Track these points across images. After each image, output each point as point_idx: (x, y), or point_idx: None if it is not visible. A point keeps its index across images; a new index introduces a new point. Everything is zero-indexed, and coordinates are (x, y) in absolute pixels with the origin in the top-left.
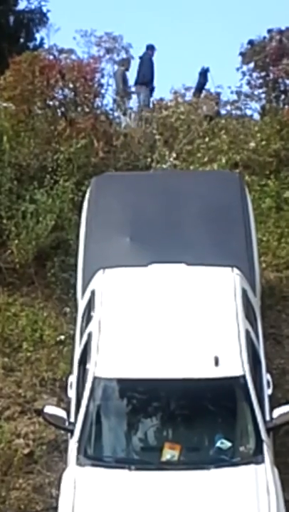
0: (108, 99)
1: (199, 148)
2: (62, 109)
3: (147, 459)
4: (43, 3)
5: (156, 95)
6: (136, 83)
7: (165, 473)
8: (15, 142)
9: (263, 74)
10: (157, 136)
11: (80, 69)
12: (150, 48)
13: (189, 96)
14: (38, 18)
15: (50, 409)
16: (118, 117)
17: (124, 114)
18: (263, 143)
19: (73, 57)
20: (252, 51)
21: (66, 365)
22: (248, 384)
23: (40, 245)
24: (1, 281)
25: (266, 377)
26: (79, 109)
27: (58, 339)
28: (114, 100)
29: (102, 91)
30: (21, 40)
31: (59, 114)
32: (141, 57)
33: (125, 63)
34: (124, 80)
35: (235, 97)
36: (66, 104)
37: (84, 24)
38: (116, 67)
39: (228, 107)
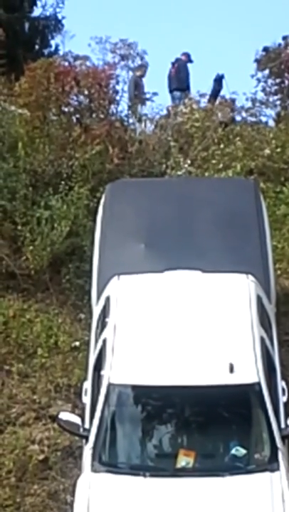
0: (123, 106)
1: (214, 155)
2: (77, 115)
3: (162, 466)
4: (58, 9)
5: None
6: (172, 89)
7: (180, 480)
8: (30, 148)
9: (278, 81)
10: (172, 143)
11: (95, 75)
12: (185, 55)
13: (204, 102)
14: (53, 24)
15: (65, 416)
16: (133, 123)
17: (139, 120)
18: (278, 150)
19: (88, 63)
20: (267, 58)
21: (81, 371)
22: (262, 391)
23: (55, 251)
24: (16, 288)
25: (281, 384)
26: (94, 115)
27: (72, 345)
28: (130, 107)
29: (117, 97)
30: (36, 46)
31: (74, 120)
32: (174, 63)
33: (141, 69)
34: (138, 86)
35: (250, 103)
36: (81, 111)
37: (99, 31)
38: (131, 73)
39: (243, 114)
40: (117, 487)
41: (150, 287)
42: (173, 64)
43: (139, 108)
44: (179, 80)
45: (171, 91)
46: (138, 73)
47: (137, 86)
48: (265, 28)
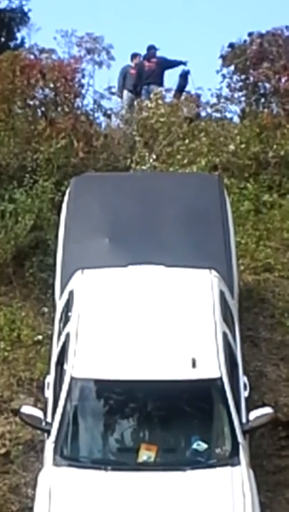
0: (89, 100)
1: (179, 150)
2: (43, 108)
3: (124, 460)
4: (24, 2)
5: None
6: (148, 83)
7: (141, 474)
8: None
9: (243, 77)
10: (137, 138)
11: (61, 69)
12: (153, 48)
13: (170, 98)
14: (19, 17)
15: (27, 409)
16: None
17: (105, 115)
18: (243, 146)
19: (54, 57)
20: (232, 54)
21: (43, 365)
22: (224, 386)
23: (19, 245)
24: None
25: (243, 379)
26: (59, 109)
27: (35, 339)
28: (95, 101)
29: (83, 91)
30: (2, 39)
31: (39, 113)
32: (149, 58)
33: (136, 58)
34: (127, 77)
35: (215, 99)
36: (46, 104)
37: (65, 24)
38: (96, 67)
39: (208, 110)
40: (79, 481)
41: (114, 282)
42: (148, 58)
43: (125, 98)
44: (158, 74)
45: (147, 83)
46: (133, 63)
47: (126, 77)
48: (230, 25)
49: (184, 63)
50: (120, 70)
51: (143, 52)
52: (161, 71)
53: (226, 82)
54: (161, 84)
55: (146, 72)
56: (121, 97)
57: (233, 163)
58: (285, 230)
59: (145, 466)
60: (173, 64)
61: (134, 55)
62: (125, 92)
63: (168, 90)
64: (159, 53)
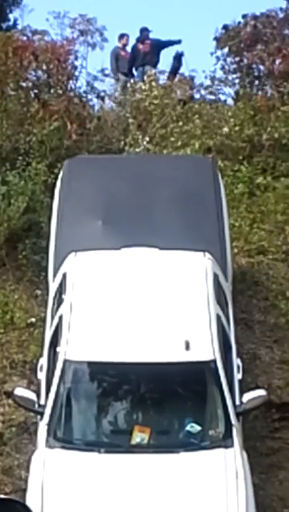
0: (82, 82)
1: (173, 133)
2: (36, 90)
3: (117, 442)
4: None
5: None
6: (143, 64)
7: (135, 456)
8: None
9: (237, 59)
10: (131, 120)
11: (54, 51)
12: (146, 31)
13: (163, 80)
14: None
15: (20, 392)
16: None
17: (98, 97)
18: (237, 128)
19: (47, 38)
20: (226, 36)
21: (37, 348)
22: (218, 368)
23: (12, 227)
24: None
25: (237, 362)
26: (52, 91)
27: (28, 321)
28: (88, 83)
29: (76, 73)
30: None
31: (32, 95)
32: (143, 40)
33: (123, 39)
34: (119, 59)
35: (209, 81)
36: (39, 86)
37: (58, 6)
38: (89, 49)
39: (202, 92)
40: (72, 463)
41: (107, 264)
42: (142, 40)
43: (121, 82)
44: (153, 56)
45: (142, 65)
46: (120, 44)
47: (118, 59)
48: (224, 6)
49: (178, 42)
50: (111, 52)
51: (132, 33)
52: (156, 52)
53: (220, 64)
54: (156, 65)
55: (141, 55)
56: (117, 79)
57: (227, 146)
58: (279, 212)
59: (138, 448)
60: (167, 44)
61: (121, 36)
62: (119, 75)
63: (162, 72)
64: (151, 35)
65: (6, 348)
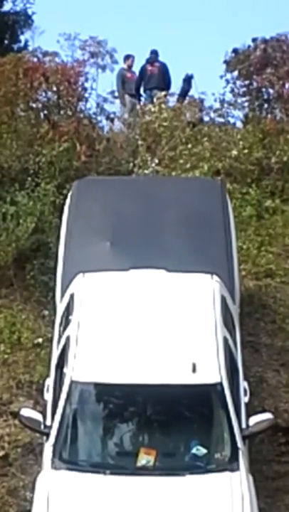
0: (91, 103)
1: (182, 155)
2: (46, 111)
3: (123, 464)
4: (28, 5)
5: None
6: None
7: (140, 478)
8: None
9: (246, 82)
10: (140, 142)
11: (64, 72)
12: (154, 53)
13: (173, 102)
14: (22, 20)
15: (26, 412)
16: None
17: (107, 118)
18: (245, 151)
19: (57, 60)
20: (236, 59)
21: (43, 368)
22: (224, 391)
23: (20, 247)
24: None
25: (243, 384)
26: (62, 112)
27: (35, 342)
28: (98, 104)
29: (86, 95)
30: (6, 41)
31: (42, 116)
32: (152, 62)
33: (128, 60)
34: (125, 81)
35: (218, 104)
36: (49, 107)
37: (69, 27)
38: (100, 70)
39: (212, 114)
40: (77, 484)
41: (115, 285)
42: (151, 62)
43: (127, 104)
44: (160, 78)
45: (149, 89)
46: (126, 65)
47: (124, 80)
48: (234, 30)
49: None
50: (116, 74)
51: (142, 56)
52: (163, 76)
53: (230, 87)
54: (168, 87)
55: (148, 76)
56: (123, 102)
57: (235, 169)
58: (287, 235)
59: (144, 471)
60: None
61: (126, 57)
62: (126, 97)
63: (171, 94)
64: (162, 59)
65: (13, 369)
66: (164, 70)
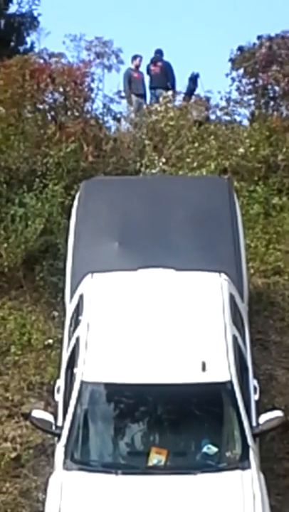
0: (98, 104)
1: (188, 154)
2: (52, 113)
3: (134, 464)
4: (33, 7)
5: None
6: (154, 87)
7: (151, 477)
8: (4, 146)
9: (252, 80)
10: (147, 141)
11: (70, 73)
12: (159, 53)
13: (179, 101)
14: (28, 21)
15: (38, 413)
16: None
17: (114, 118)
18: (252, 149)
19: (63, 61)
20: (242, 57)
21: (54, 369)
22: (234, 389)
23: (29, 249)
24: None
25: (253, 382)
26: (69, 113)
27: (46, 343)
28: (104, 105)
29: (92, 95)
30: (12, 43)
31: (49, 118)
32: (156, 62)
33: (136, 60)
34: (132, 81)
35: (224, 102)
36: (56, 108)
37: (74, 28)
38: (106, 71)
39: (218, 113)
40: (89, 485)
41: (124, 285)
42: (154, 62)
43: (134, 103)
44: (162, 78)
45: (153, 88)
46: (133, 65)
47: (131, 80)
48: (240, 28)
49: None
50: (123, 74)
51: (149, 55)
52: (166, 75)
53: (236, 85)
54: (173, 86)
55: (151, 76)
56: (130, 102)
57: (242, 167)
58: None
59: (155, 470)
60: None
61: (134, 57)
62: (133, 96)
63: (178, 93)
64: (167, 58)
65: (24, 370)
66: (166, 70)
